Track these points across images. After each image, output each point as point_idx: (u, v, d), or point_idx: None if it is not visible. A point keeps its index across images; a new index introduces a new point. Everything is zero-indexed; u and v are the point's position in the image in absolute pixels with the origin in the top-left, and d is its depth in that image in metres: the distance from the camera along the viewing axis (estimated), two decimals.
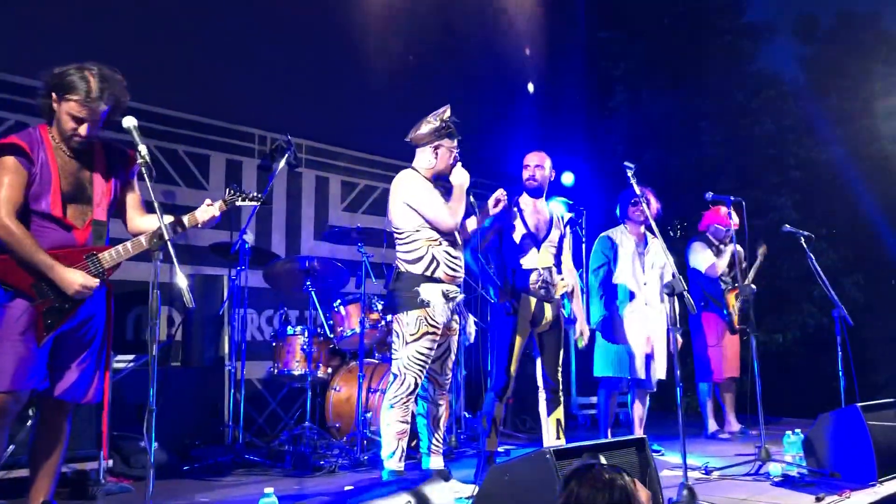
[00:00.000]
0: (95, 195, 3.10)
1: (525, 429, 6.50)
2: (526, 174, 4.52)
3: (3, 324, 2.91)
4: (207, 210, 3.29)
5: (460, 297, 3.99)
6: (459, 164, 4.07)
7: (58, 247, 2.99)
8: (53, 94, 2.99)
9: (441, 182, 4.09)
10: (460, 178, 4.04)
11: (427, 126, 3.99)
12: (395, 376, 3.88)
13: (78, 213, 3.06)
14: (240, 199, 3.38)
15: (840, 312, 5.23)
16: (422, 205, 3.90)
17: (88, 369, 3.12)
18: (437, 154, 4.02)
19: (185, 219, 3.25)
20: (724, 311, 6.22)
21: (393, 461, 3.85)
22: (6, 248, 2.91)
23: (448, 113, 4.00)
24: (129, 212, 3.29)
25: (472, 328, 4.17)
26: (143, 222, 3.27)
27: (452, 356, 4.14)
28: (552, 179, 4.60)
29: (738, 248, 5.99)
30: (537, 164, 4.51)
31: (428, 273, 3.89)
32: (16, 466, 3.72)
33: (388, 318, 5.39)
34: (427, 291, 3.86)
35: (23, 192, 2.94)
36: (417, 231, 3.92)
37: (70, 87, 2.97)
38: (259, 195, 3.46)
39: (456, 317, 4.02)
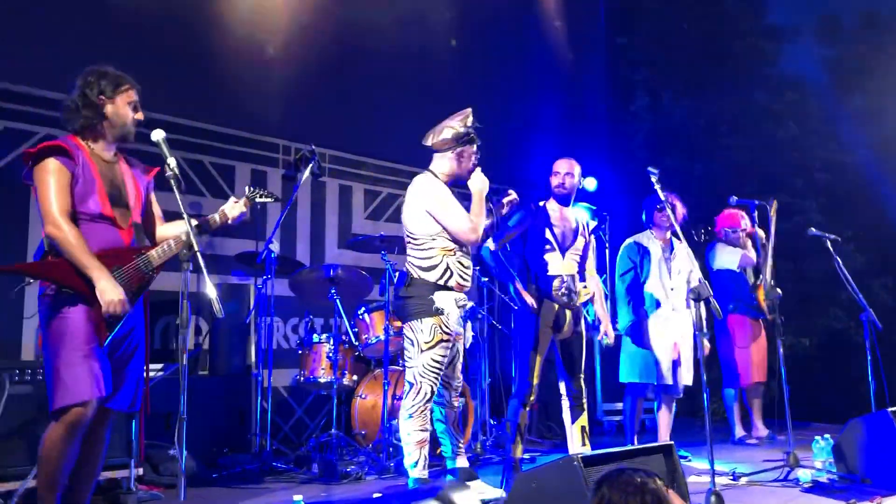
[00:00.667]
0: (130, 199, 3.16)
1: (550, 435, 6.48)
2: (555, 181, 4.52)
3: (71, 333, 2.90)
4: (235, 206, 3.42)
5: (469, 304, 3.96)
6: (478, 168, 4.00)
7: (109, 246, 3.02)
8: (102, 97, 3.07)
9: (458, 187, 4.06)
10: (479, 183, 3.97)
11: (450, 131, 3.94)
12: (411, 385, 3.86)
13: (121, 214, 3.11)
14: (259, 195, 3.54)
15: (868, 316, 5.18)
16: (445, 217, 3.86)
17: (134, 377, 3.15)
18: (458, 160, 3.99)
19: (216, 217, 3.37)
20: (756, 309, 6.18)
21: (417, 470, 3.85)
22: (60, 251, 2.93)
23: (471, 118, 3.98)
24: (154, 221, 3.36)
25: (469, 333, 4.14)
26: (169, 229, 3.34)
27: (461, 358, 4.13)
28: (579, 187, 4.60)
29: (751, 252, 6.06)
30: (567, 172, 4.51)
31: (441, 282, 3.86)
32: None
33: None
34: (441, 299, 3.84)
35: (70, 192, 2.97)
36: (433, 239, 3.89)
37: (118, 80, 3.12)
38: (276, 194, 3.65)
39: (467, 324, 4.04)
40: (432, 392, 3.86)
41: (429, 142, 4.01)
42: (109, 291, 2.93)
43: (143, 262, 3.09)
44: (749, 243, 6.22)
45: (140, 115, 3.19)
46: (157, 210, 3.39)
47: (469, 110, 3.98)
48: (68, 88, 3.13)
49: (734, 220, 6.15)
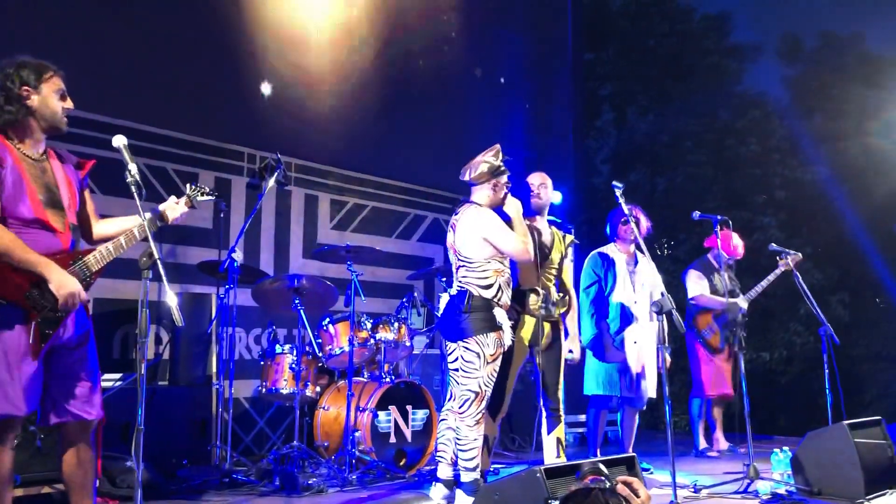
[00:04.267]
0: (64, 200, 3.01)
1: (514, 447, 6.49)
2: (532, 194, 4.69)
3: (5, 347, 2.78)
4: (176, 207, 3.30)
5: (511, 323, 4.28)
6: (509, 194, 4.36)
7: (45, 252, 2.87)
8: (26, 87, 2.90)
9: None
10: (515, 207, 4.34)
11: (486, 165, 4.26)
12: (476, 394, 4.08)
13: (57, 217, 2.96)
14: (200, 194, 3.41)
15: (826, 330, 5.28)
16: (504, 242, 4.16)
17: (96, 384, 3.05)
18: (494, 189, 4.30)
19: (157, 218, 3.22)
20: (696, 332, 6.31)
21: (477, 472, 4.11)
22: None
23: (500, 153, 4.31)
24: (89, 219, 3.22)
25: None
26: (106, 227, 3.23)
27: None
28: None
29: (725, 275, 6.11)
30: (541, 184, 4.72)
31: (496, 299, 4.15)
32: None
33: (378, 336, 5.40)
34: (499, 315, 4.15)
35: None
36: (488, 262, 4.17)
37: (40, 68, 2.95)
38: (216, 192, 3.52)
39: None
40: (488, 399, 4.16)
41: (467, 177, 4.32)
42: (66, 284, 2.84)
43: (80, 267, 2.96)
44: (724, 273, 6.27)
45: (69, 104, 3.03)
46: (91, 208, 3.23)
47: (498, 146, 4.33)
48: None
49: (730, 247, 6.15)
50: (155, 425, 4.60)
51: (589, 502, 1.96)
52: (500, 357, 4.15)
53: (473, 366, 4.08)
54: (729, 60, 12.86)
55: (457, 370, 4.15)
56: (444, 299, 4.30)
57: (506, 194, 4.36)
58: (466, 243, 4.20)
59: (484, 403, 4.11)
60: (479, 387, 4.08)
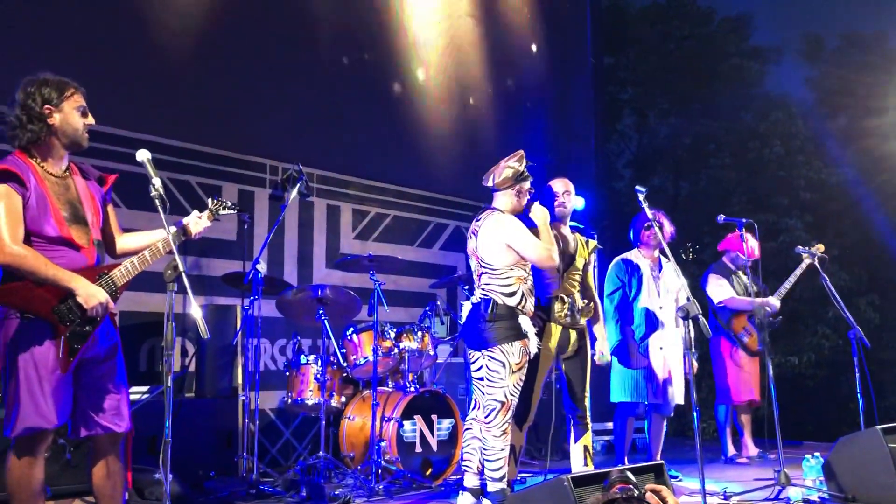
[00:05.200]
0: (88, 216, 3.05)
1: (541, 456, 6.45)
2: (556, 201, 4.62)
3: (35, 361, 2.82)
4: (199, 222, 3.34)
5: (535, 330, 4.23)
6: (537, 202, 4.35)
7: (72, 269, 2.91)
8: (48, 106, 2.93)
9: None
10: (542, 214, 4.32)
11: (509, 171, 4.23)
12: (502, 404, 4.04)
13: (81, 233, 3.00)
14: (222, 207, 3.46)
15: (856, 333, 5.18)
16: (527, 248, 4.11)
17: (124, 397, 3.08)
18: (518, 195, 4.28)
19: (181, 232, 3.27)
20: (733, 336, 6.21)
21: (504, 482, 4.06)
22: (20, 275, 2.82)
23: (524, 158, 4.28)
24: (112, 233, 3.25)
25: None
26: (129, 241, 3.26)
27: None
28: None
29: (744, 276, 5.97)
30: (566, 191, 4.66)
31: (520, 307, 4.11)
32: None
33: (402, 345, 5.40)
34: (524, 323, 4.11)
35: (21, 217, 2.84)
36: (511, 269, 4.14)
37: (62, 86, 2.98)
38: (237, 206, 3.58)
39: None
40: (514, 409, 4.11)
41: (490, 182, 4.28)
42: (94, 295, 2.88)
43: (105, 282, 2.99)
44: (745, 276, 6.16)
45: (91, 120, 3.06)
46: (114, 222, 3.26)
47: (521, 151, 4.29)
48: (9, 103, 2.97)
49: (745, 248, 5.84)
50: (182, 437, 4.60)
51: None
52: (526, 366, 4.10)
53: (499, 375, 4.04)
54: (750, 62, 12.75)
55: (481, 379, 4.10)
56: (467, 307, 4.26)
57: (531, 201, 4.33)
58: (489, 250, 4.16)
59: (510, 413, 4.06)
60: (505, 396, 4.04)
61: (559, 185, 4.67)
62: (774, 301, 6.01)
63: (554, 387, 4.52)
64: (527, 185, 4.28)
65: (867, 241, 10.61)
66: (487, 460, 4.07)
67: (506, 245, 4.12)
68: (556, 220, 4.58)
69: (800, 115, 11.74)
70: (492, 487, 4.05)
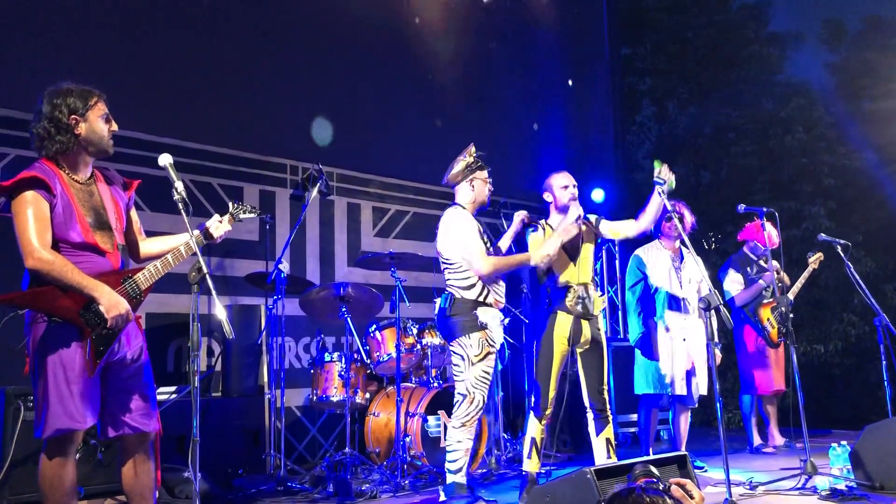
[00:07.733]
0: (112, 221, 3.10)
1: (565, 448, 6.46)
2: (567, 194, 4.47)
3: (62, 363, 2.88)
4: (220, 226, 3.39)
5: (506, 320, 4.25)
6: (575, 201, 4.39)
7: (97, 274, 2.97)
8: (74, 116, 2.98)
9: (483, 212, 4.44)
10: (571, 214, 4.32)
11: (459, 164, 4.34)
12: (464, 396, 4.08)
13: (106, 238, 3.05)
14: (243, 211, 3.51)
15: (882, 320, 5.13)
16: (463, 249, 4.14)
17: (152, 397, 3.15)
18: (473, 186, 4.35)
19: (203, 234, 3.33)
20: (759, 326, 6.15)
21: (460, 475, 4.06)
22: (48, 280, 2.87)
23: (474, 149, 4.35)
24: (136, 238, 3.31)
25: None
26: (152, 245, 3.32)
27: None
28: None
29: (775, 263, 5.84)
30: (574, 184, 4.58)
31: (481, 299, 4.14)
32: None
33: (424, 341, 5.43)
34: (484, 314, 4.12)
35: (49, 223, 2.89)
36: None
37: (86, 95, 3.03)
38: (257, 209, 3.61)
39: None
40: (483, 402, 4.12)
41: (445, 180, 4.39)
42: (115, 306, 2.93)
43: (129, 286, 3.05)
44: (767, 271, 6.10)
45: (114, 126, 3.11)
46: (137, 226, 3.33)
47: (472, 144, 4.38)
48: (34, 115, 3.02)
49: (764, 237, 5.66)
50: (210, 436, 4.71)
51: (631, 501, 1.94)
52: (489, 357, 4.12)
53: (459, 368, 4.12)
54: (770, 49, 12.60)
55: (454, 373, 4.19)
56: (439, 303, 4.34)
57: (491, 189, 4.39)
58: (444, 245, 4.24)
59: (474, 405, 4.08)
60: (467, 389, 4.08)
61: (565, 178, 4.52)
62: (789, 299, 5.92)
63: (574, 379, 4.48)
64: (482, 174, 4.35)
65: (892, 225, 10.47)
66: (447, 451, 4.10)
67: (455, 239, 4.17)
68: (564, 212, 4.52)
69: (821, 100, 11.60)
70: (448, 479, 4.08)
